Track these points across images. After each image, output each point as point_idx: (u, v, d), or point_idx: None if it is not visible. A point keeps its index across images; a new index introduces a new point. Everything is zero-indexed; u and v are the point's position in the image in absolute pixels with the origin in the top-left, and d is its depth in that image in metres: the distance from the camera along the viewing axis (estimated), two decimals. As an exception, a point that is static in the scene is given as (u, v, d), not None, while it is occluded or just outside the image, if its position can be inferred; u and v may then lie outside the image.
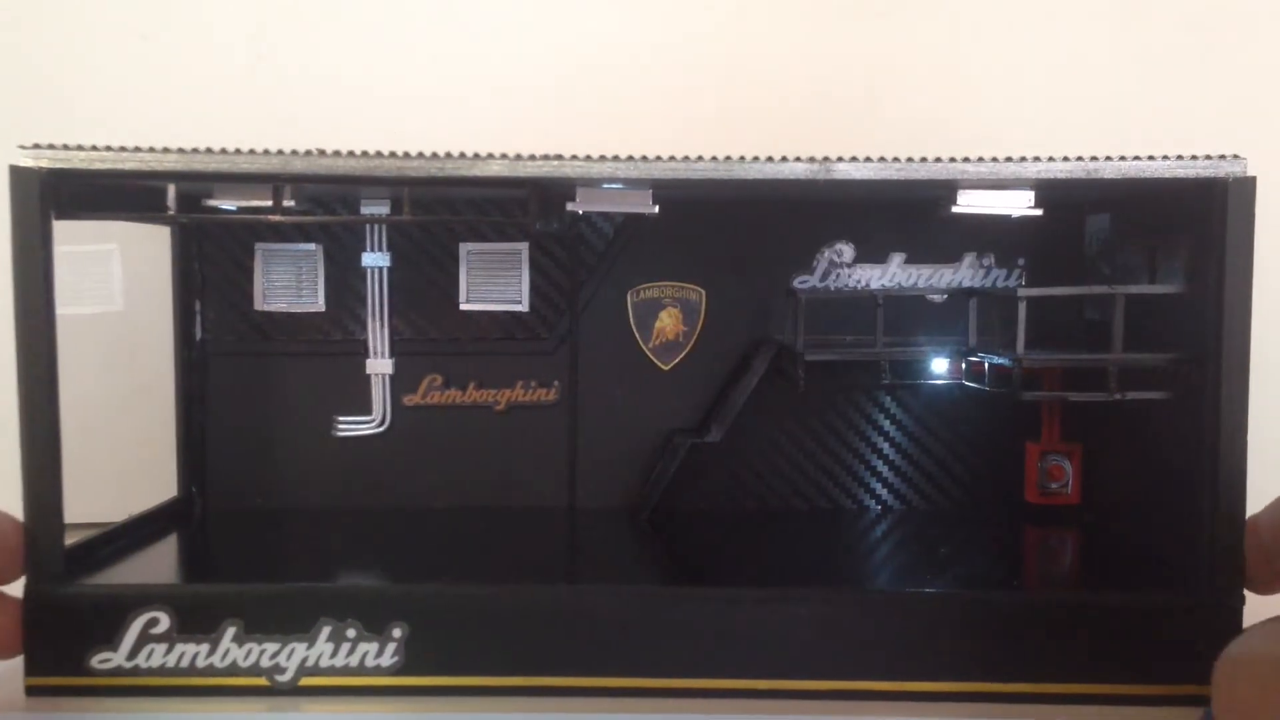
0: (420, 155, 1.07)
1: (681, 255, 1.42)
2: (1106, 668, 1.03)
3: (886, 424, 1.43)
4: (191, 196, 1.15)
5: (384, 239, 1.42)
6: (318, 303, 1.42)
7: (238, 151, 1.05)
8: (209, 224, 1.38)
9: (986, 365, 1.29)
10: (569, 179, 1.08)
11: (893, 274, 1.43)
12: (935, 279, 1.43)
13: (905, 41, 1.62)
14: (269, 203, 1.10)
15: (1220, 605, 1.01)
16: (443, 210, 1.38)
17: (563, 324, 1.43)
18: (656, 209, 1.14)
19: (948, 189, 1.12)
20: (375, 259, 1.41)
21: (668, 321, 1.43)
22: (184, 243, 1.40)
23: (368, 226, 1.41)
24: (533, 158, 1.07)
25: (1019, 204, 1.13)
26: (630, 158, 1.07)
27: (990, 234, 1.40)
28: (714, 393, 1.42)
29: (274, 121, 1.58)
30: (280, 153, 1.06)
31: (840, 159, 1.07)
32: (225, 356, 1.42)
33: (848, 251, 1.43)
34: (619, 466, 1.43)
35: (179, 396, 1.41)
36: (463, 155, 1.07)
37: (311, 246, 1.42)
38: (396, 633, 1.04)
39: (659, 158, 1.07)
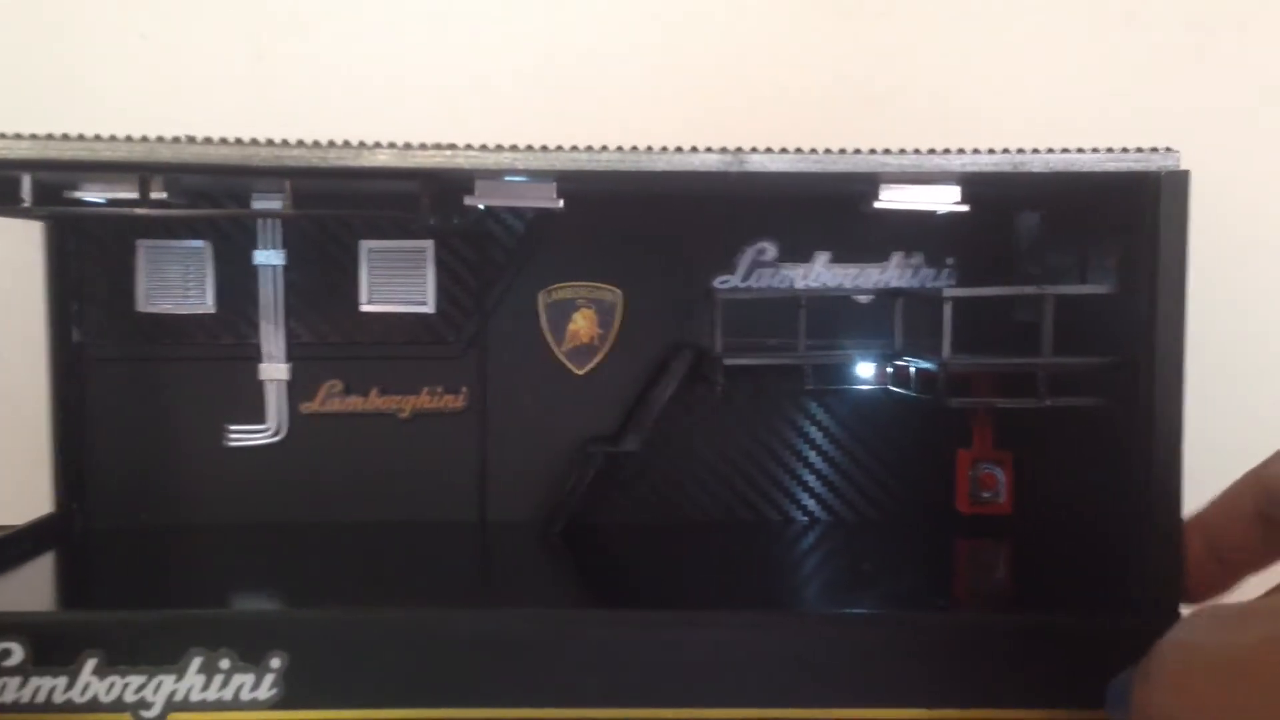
0: (300, 144, 0.98)
1: (597, 254, 1.35)
2: (1037, 689, 0.97)
3: (813, 431, 1.36)
4: (54, 187, 1.05)
5: (279, 236, 1.33)
6: (206, 304, 1.33)
7: (97, 138, 0.96)
8: (86, 219, 1.28)
9: (912, 370, 1.23)
10: (464, 170, 1.01)
11: (818, 274, 1.36)
12: (862, 279, 1.36)
13: (912, 38, 1.55)
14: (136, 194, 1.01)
15: (1153, 626, 0.95)
16: (344, 205, 1.30)
17: (471, 326, 1.35)
18: (561, 203, 1.06)
19: (869, 183, 1.06)
20: (269, 257, 1.32)
21: (582, 324, 1.35)
22: (58, 238, 1.30)
23: (259, 222, 1.32)
24: (424, 146, 0.99)
25: (944, 199, 1.07)
26: (529, 147, 1.00)
27: (918, 232, 1.34)
28: (631, 399, 1.35)
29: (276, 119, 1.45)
30: (145, 139, 0.97)
31: (754, 150, 1.00)
32: (106, 361, 1.33)
33: (771, 250, 1.36)
34: (531, 478, 1.35)
35: (54, 404, 1.31)
36: (346, 144, 0.99)
37: (199, 243, 1.32)
38: (275, 663, 0.95)
39: (560, 148, 1.00)
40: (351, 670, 0.96)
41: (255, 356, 1.33)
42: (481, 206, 1.06)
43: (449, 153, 1.00)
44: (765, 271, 1.36)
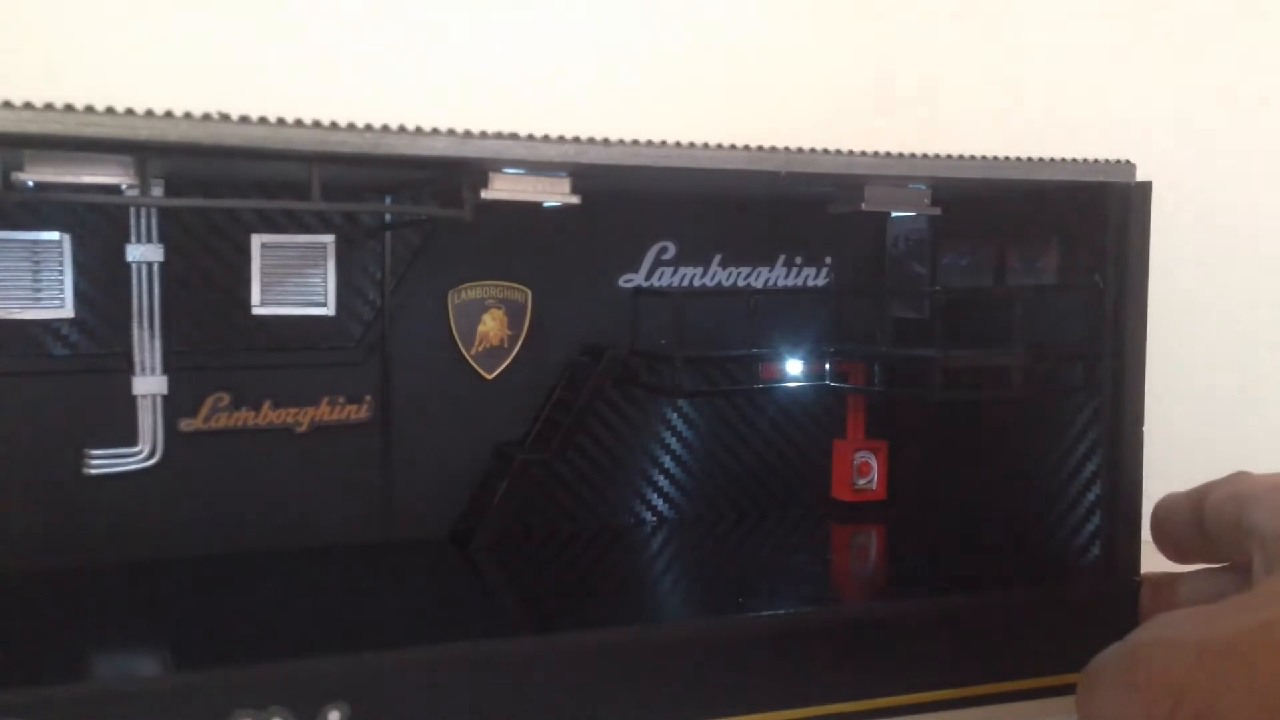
0: (319, 125, 0.86)
1: (506, 250, 1.28)
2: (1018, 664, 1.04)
3: (684, 431, 1.38)
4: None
5: (155, 228, 1.15)
6: (63, 307, 1.13)
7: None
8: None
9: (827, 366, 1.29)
10: (498, 160, 0.93)
11: (713, 274, 1.38)
12: (753, 279, 1.40)
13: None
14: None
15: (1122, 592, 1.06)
16: (226, 193, 1.15)
17: (374, 329, 1.24)
18: (578, 199, 1.00)
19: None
20: (143, 252, 1.14)
21: (492, 325, 1.28)
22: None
23: (132, 213, 1.13)
24: (441, 132, 0.90)
25: (919, 204, 1.13)
26: (563, 139, 0.94)
27: (798, 235, 1.39)
28: (541, 403, 1.30)
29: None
30: (132, 113, 0.81)
31: (809, 150, 1.00)
32: (-65, 378, 1.09)
33: (672, 249, 1.36)
34: (441, 490, 1.27)
35: None
36: (376, 127, 0.88)
37: (54, 235, 1.12)
38: (334, 716, 0.84)
39: (604, 140, 0.95)
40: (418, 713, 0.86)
41: (124, 368, 1.14)
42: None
43: (476, 141, 0.92)
44: (665, 270, 1.36)
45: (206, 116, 0.83)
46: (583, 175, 0.99)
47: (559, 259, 1.30)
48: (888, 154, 1.04)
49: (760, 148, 0.99)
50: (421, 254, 1.25)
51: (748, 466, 1.41)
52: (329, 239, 1.21)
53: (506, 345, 1.29)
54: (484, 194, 0.97)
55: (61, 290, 1.12)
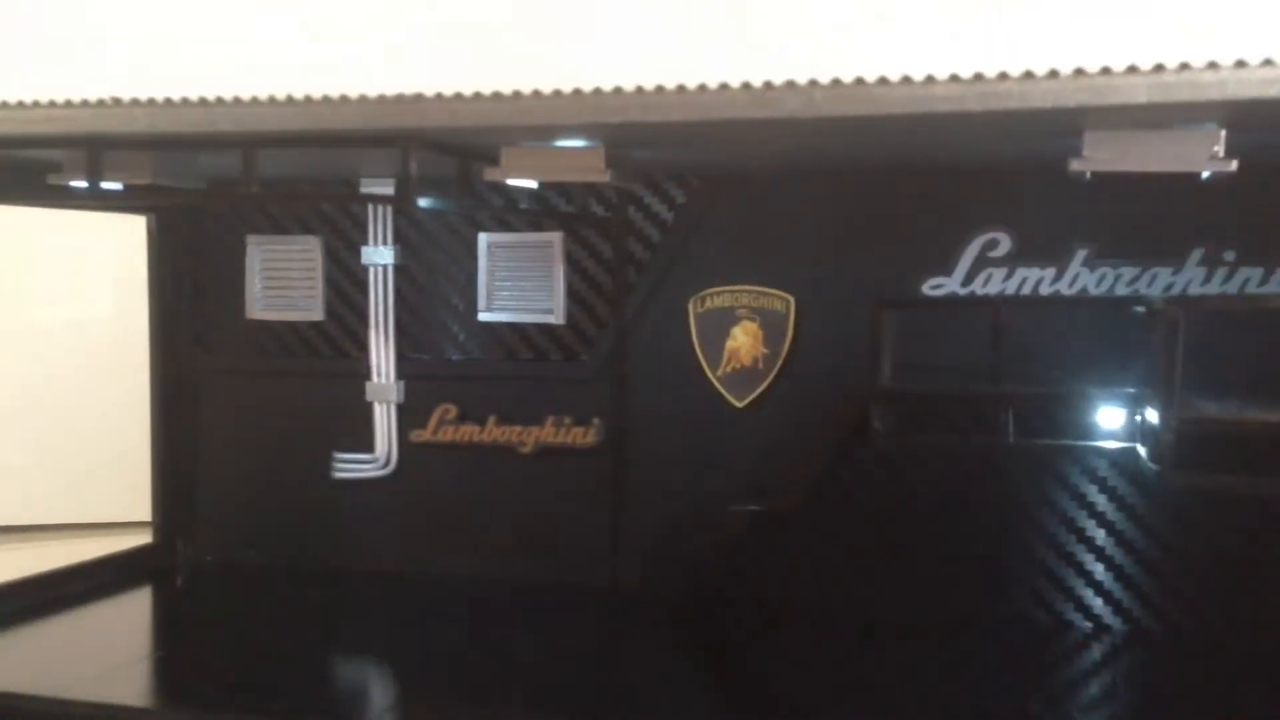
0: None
1: (764, 249, 1.02)
2: None
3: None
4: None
5: (390, 229, 1.12)
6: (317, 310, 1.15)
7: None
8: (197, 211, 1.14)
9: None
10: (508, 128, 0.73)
11: (1074, 277, 0.96)
12: (1142, 284, 0.95)
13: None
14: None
15: None
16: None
17: (605, 342, 1.07)
18: (609, 176, 0.76)
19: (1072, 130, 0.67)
20: (378, 255, 1.12)
21: (744, 340, 1.03)
22: (164, 234, 1.16)
23: (369, 212, 1.11)
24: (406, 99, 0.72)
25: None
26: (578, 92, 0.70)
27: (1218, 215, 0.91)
28: (797, 442, 1.01)
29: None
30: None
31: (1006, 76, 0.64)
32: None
33: (1005, 243, 0.98)
34: (676, 537, 1.05)
35: (157, 418, 1.17)
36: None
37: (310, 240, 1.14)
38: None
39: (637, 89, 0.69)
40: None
41: (362, 373, 1.13)
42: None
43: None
44: (996, 273, 0.98)
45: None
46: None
47: (834, 259, 1.01)
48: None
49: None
50: (661, 253, 1.05)
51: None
52: (556, 236, 1.07)
53: (762, 366, 1.03)
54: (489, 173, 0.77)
55: (314, 293, 1.15)
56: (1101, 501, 0.94)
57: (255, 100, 0.75)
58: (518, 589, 1.06)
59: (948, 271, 0.99)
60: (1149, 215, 0.93)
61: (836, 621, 0.98)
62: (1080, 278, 0.96)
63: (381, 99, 0.70)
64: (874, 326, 0.92)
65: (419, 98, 0.68)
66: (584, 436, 1.07)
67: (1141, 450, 0.86)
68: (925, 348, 0.96)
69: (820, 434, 0.99)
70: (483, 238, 1.09)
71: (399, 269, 1.12)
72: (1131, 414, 0.88)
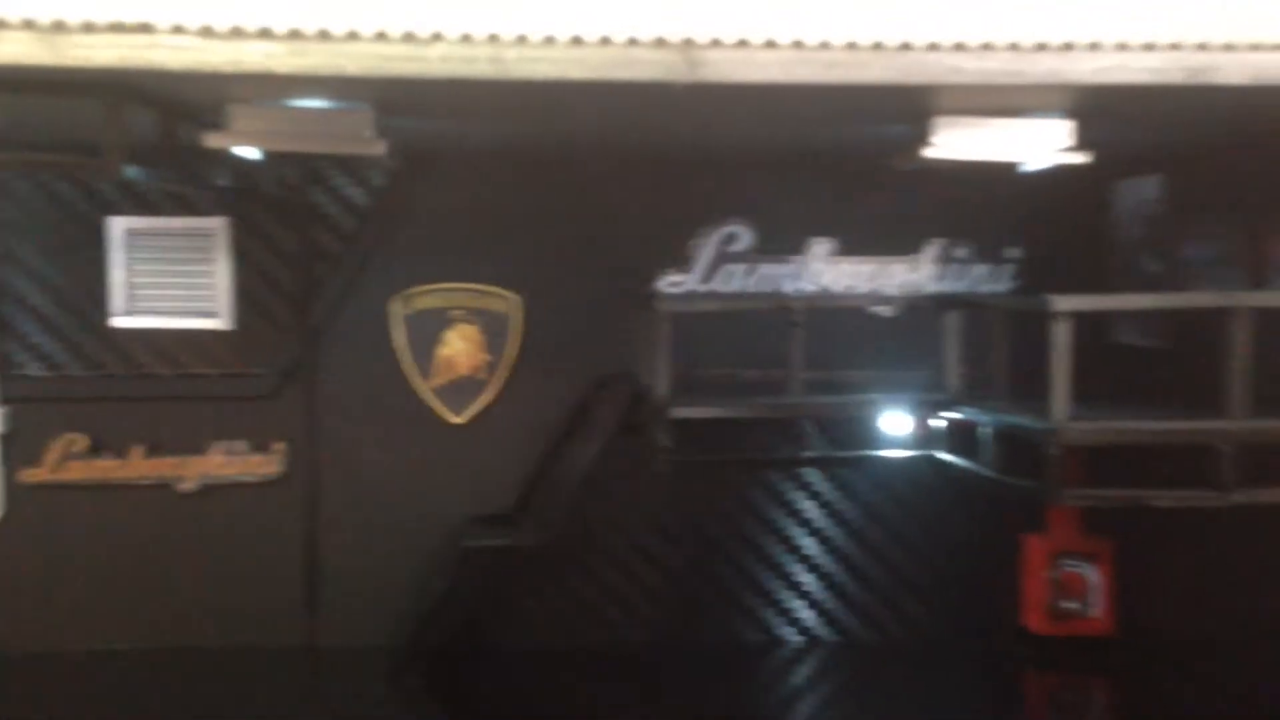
0: None
1: (480, 241, 0.89)
2: None
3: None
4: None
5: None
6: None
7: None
8: None
9: (983, 430, 0.79)
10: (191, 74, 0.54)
11: (816, 272, 0.92)
12: (883, 279, 0.91)
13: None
14: None
15: None
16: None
17: (289, 350, 0.89)
18: (384, 148, 0.60)
19: (914, 114, 0.60)
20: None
21: (460, 346, 0.89)
22: None
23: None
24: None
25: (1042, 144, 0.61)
26: (324, 35, 0.53)
27: (960, 211, 0.90)
28: (532, 464, 0.89)
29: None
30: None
31: (717, 42, 0.54)
32: None
33: (744, 237, 0.91)
34: (383, 583, 0.90)
35: None
36: None
37: None
38: None
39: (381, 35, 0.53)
40: None
41: (-57, 397, 0.87)
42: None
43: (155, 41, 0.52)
44: (736, 269, 0.91)
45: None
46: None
47: (559, 253, 0.89)
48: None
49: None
50: (356, 244, 0.88)
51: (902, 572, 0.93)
52: (218, 222, 0.87)
53: (481, 375, 0.89)
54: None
55: None
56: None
57: None
58: (187, 661, 0.87)
59: (685, 267, 0.91)
60: (888, 208, 0.91)
61: (600, 664, 0.87)
62: (820, 274, 0.92)
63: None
64: (638, 331, 0.82)
65: (146, 27, 0.48)
66: (263, 466, 0.89)
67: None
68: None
69: (559, 453, 0.87)
70: (117, 222, 0.87)
71: (-3, 260, 0.87)
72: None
